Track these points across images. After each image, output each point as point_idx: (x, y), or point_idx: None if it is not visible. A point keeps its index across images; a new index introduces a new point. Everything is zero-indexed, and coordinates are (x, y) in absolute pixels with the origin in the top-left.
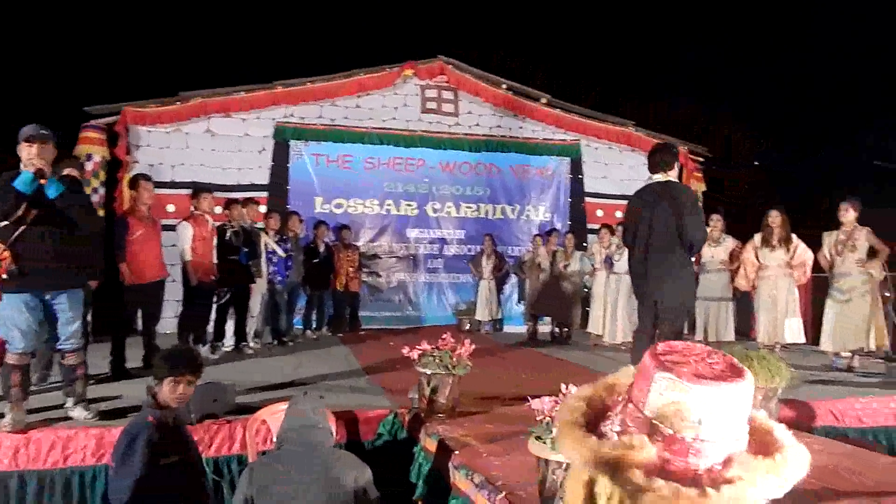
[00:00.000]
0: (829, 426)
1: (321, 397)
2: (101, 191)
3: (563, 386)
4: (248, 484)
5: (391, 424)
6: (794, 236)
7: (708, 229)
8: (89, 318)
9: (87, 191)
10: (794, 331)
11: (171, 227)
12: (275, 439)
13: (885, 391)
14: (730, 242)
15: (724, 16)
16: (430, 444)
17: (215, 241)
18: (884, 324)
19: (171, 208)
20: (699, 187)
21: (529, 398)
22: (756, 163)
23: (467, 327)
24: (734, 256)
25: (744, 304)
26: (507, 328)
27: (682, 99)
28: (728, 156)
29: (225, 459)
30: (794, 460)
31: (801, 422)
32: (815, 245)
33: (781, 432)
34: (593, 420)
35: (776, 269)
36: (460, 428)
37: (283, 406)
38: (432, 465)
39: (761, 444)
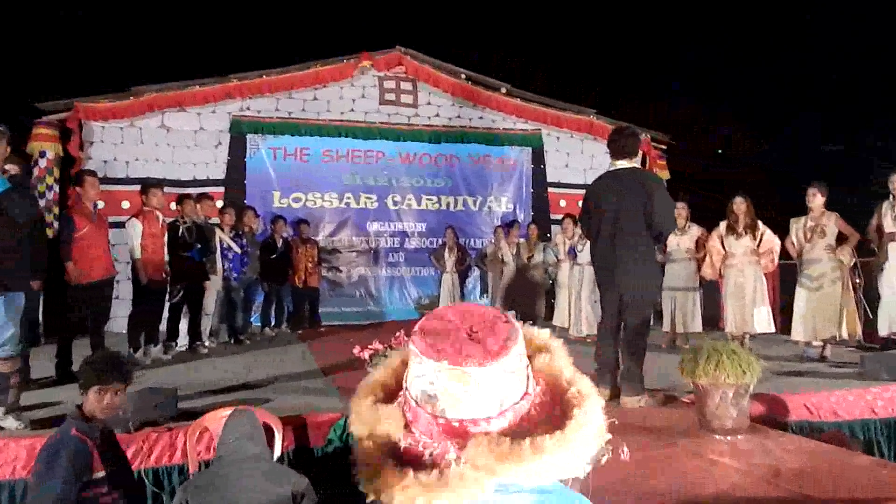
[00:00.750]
0: (804, 420)
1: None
2: (56, 189)
3: None
4: (182, 501)
5: (342, 429)
6: (759, 223)
7: None
8: (40, 319)
9: (41, 189)
10: (762, 320)
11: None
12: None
13: (859, 382)
14: (695, 231)
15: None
16: None
17: (166, 237)
18: (855, 311)
19: (126, 205)
20: (663, 175)
21: None
22: (720, 151)
23: None
24: (700, 245)
25: (711, 293)
26: None
27: (645, 87)
28: (694, 144)
29: (165, 470)
30: (582, 431)
31: (775, 417)
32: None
33: (577, 383)
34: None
35: (742, 256)
36: None
37: (227, 412)
38: None
39: (553, 404)
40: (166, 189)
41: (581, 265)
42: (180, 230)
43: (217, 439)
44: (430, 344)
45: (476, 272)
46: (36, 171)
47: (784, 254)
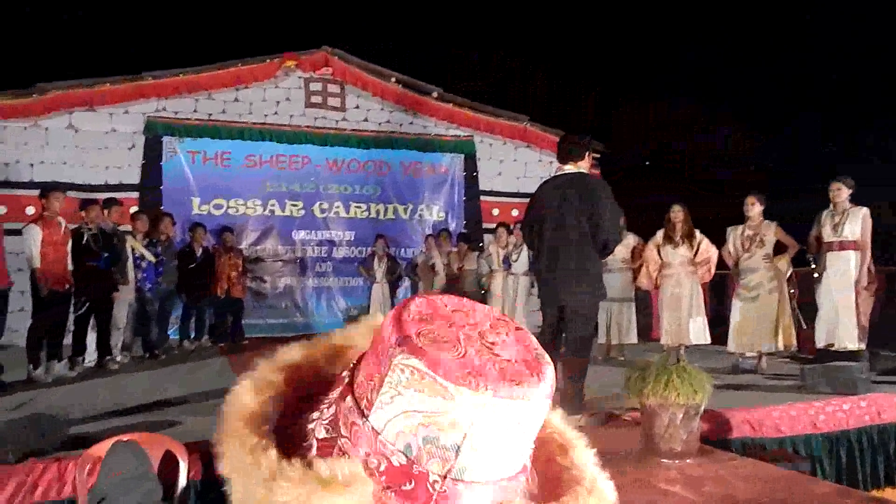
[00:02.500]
0: (747, 437)
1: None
2: None
3: None
4: None
5: None
6: (697, 232)
7: None
8: None
9: None
10: (698, 331)
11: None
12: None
13: (798, 395)
14: (631, 240)
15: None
16: None
17: (69, 245)
18: (791, 322)
19: (30, 210)
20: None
21: None
22: (647, 163)
23: None
24: (636, 254)
25: (645, 304)
26: None
27: (579, 92)
28: (631, 150)
29: None
30: None
31: (717, 434)
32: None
33: (582, 455)
34: (295, 408)
35: (679, 266)
36: None
37: (125, 438)
38: None
39: (547, 477)
40: (76, 194)
41: (516, 275)
42: (84, 237)
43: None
44: (457, 362)
45: (407, 282)
46: None
47: (719, 263)
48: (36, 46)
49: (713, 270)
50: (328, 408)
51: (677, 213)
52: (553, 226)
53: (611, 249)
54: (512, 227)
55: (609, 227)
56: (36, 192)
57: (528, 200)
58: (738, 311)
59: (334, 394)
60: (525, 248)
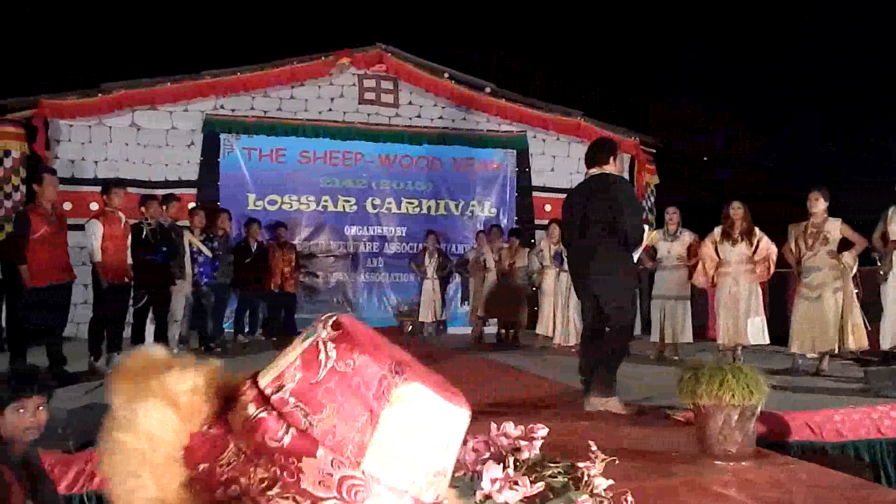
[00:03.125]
0: (806, 441)
1: None
2: (23, 189)
3: (493, 426)
4: None
5: None
6: (756, 229)
7: (663, 222)
8: (2, 324)
9: (7, 190)
10: (756, 331)
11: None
12: None
13: (862, 398)
14: (687, 237)
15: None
16: None
17: (129, 240)
18: (861, 322)
19: (94, 206)
20: (652, 179)
21: None
22: (705, 159)
23: (409, 329)
24: (692, 251)
25: (700, 302)
26: (451, 330)
27: (637, 89)
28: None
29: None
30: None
31: (775, 437)
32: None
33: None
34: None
35: (738, 264)
36: None
37: None
38: None
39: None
40: (137, 190)
41: (568, 272)
42: (144, 232)
43: None
44: (437, 383)
45: (457, 278)
46: (1, 172)
47: (780, 261)
48: (100, 47)
49: (773, 269)
50: (239, 465)
51: (737, 210)
52: (578, 226)
53: (634, 243)
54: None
55: (628, 223)
56: (98, 189)
57: None
58: (800, 310)
59: (240, 445)
60: None
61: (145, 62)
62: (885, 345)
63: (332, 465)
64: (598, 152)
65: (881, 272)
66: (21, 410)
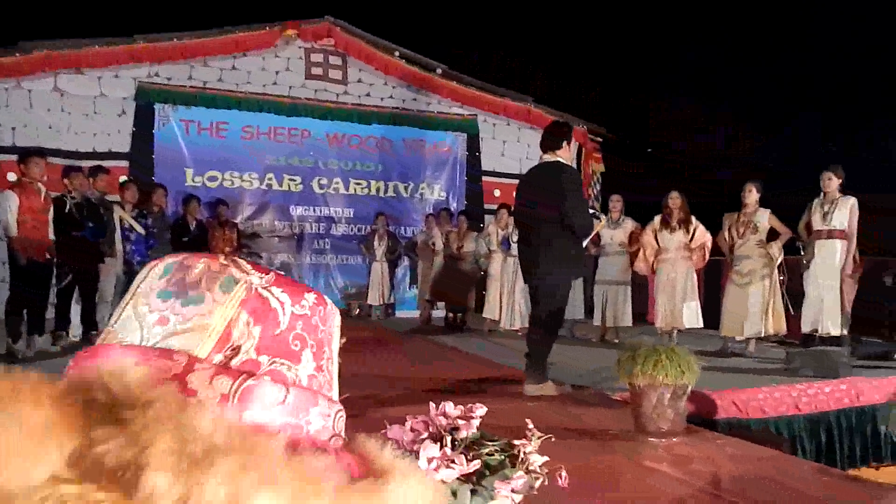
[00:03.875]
0: (733, 418)
1: None
2: None
3: (432, 405)
4: None
5: None
6: (693, 218)
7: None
8: None
9: None
10: (691, 315)
11: None
12: None
13: (784, 378)
14: (629, 224)
15: None
16: None
17: (51, 213)
18: (781, 308)
19: (12, 177)
20: (597, 168)
21: (387, 423)
22: (649, 150)
23: (357, 312)
24: (633, 239)
25: (641, 288)
26: (399, 313)
27: (586, 77)
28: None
29: None
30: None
31: (704, 415)
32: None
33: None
34: None
35: (675, 251)
36: None
37: None
38: None
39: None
40: (62, 161)
41: (515, 256)
42: (67, 206)
43: None
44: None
45: (406, 261)
46: None
47: (714, 249)
48: (21, 1)
49: (707, 256)
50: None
51: (675, 200)
52: (525, 211)
53: (581, 233)
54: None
55: (572, 213)
56: (15, 158)
57: None
58: (730, 296)
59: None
60: None
61: (72, 21)
62: (806, 328)
63: (329, 409)
64: (551, 137)
65: (804, 261)
66: None
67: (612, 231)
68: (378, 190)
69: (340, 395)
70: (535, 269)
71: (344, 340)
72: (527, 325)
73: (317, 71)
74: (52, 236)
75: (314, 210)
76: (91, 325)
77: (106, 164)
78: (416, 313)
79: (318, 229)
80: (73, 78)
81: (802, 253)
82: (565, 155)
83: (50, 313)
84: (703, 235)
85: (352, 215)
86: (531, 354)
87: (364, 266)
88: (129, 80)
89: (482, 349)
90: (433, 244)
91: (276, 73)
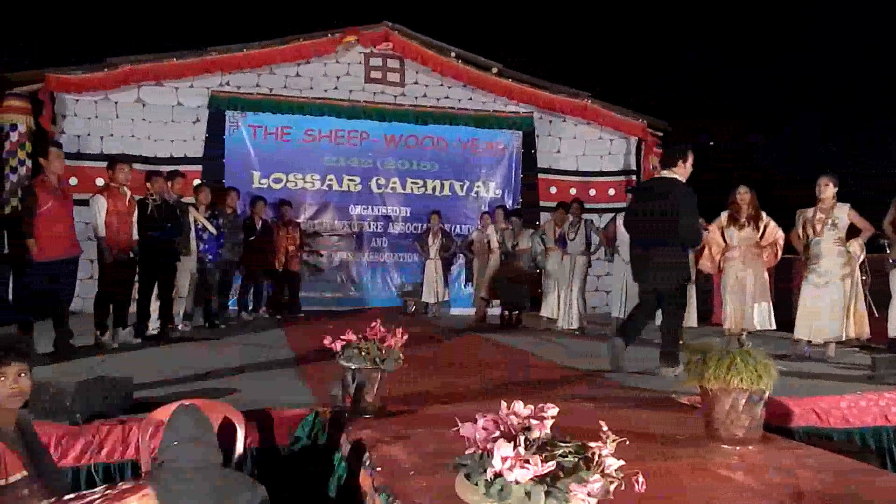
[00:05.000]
0: (812, 427)
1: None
2: (28, 163)
3: (503, 404)
4: None
5: (311, 426)
6: (763, 214)
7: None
8: (9, 297)
9: (12, 163)
10: (763, 316)
11: None
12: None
13: (869, 386)
14: None
15: None
16: (350, 454)
17: (135, 215)
18: (864, 310)
19: (100, 182)
20: (657, 163)
21: (459, 422)
22: (711, 143)
23: (412, 309)
24: None
25: (706, 287)
26: (454, 311)
27: (644, 72)
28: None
29: (118, 465)
30: None
31: (781, 423)
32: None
33: None
34: None
35: (744, 249)
36: (386, 435)
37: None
38: (352, 480)
39: None
40: (143, 166)
41: (572, 255)
42: (149, 208)
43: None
44: None
45: (461, 259)
46: (7, 145)
47: (787, 247)
48: (107, 20)
49: (780, 254)
50: None
51: (743, 195)
52: (641, 221)
53: (690, 246)
54: (570, 205)
55: (685, 229)
56: (104, 164)
57: (587, 179)
58: (806, 296)
59: None
60: (582, 227)
61: (152, 37)
62: (893, 332)
63: None
64: (669, 155)
65: (890, 259)
66: (3, 377)
67: None
68: (434, 189)
69: (404, 391)
70: (649, 272)
71: (406, 338)
72: (585, 324)
73: (375, 74)
74: (135, 236)
75: (372, 209)
76: (168, 319)
77: (181, 168)
78: (471, 311)
79: (376, 228)
80: (153, 89)
81: (888, 251)
82: (681, 172)
83: (132, 308)
84: (774, 232)
85: (408, 214)
86: (666, 344)
87: (419, 264)
88: (202, 90)
89: (538, 348)
90: (488, 242)
91: (337, 77)
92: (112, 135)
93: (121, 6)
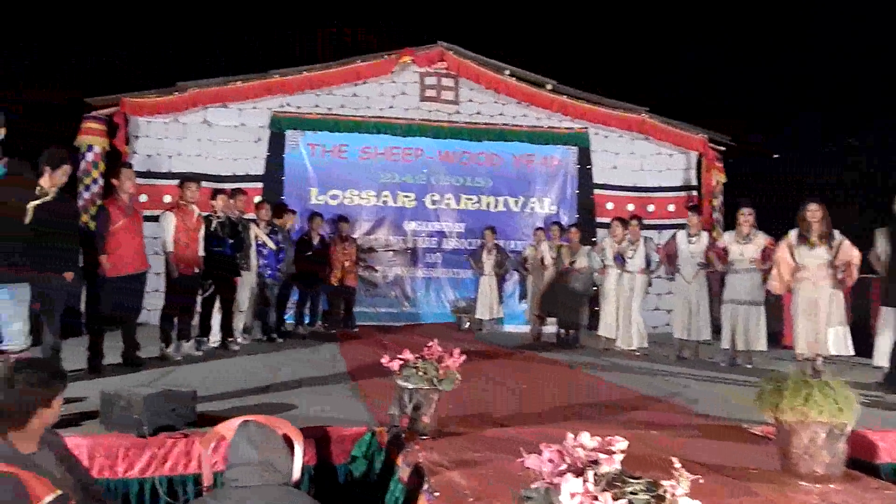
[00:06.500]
0: None
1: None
2: (101, 182)
3: (569, 436)
4: None
5: (367, 445)
6: (836, 232)
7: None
8: (82, 310)
9: (87, 182)
10: (839, 340)
11: None
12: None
13: None
14: (761, 239)
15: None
16: (409, 477)
17: (202, 231)
18: None
19: (168, 199)
20: (719, 178)
21: (524, 452)
22: (776, 156)
23: (466, 326)
24: (766, 255)
25: (774, 308)
26: (509, 328)
27: (702, 85)
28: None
29: (180, 479)
30: None
31: (862, 457)
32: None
33: None
34: None
35: (816, 269)
36: (444, 457)
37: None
38: (409, 502)
39: None
40: (208, 184)
41: (631, 273)
42: (213, 224)
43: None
44: None
45: (515, 276)
46: (83, 165)
47: (866, 267)
48: (176, 47)
49: (856, 275)
50: None
51: (814, 212)
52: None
53: None
54: (628, 221)
55: None
56: (172, 183)
57: (645, 194)
58: (888, 320)
59: None
60: (641, 245)
61: (218, 62)
62: None
63: None
64: None
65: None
66: (55, 402)
67: (743, 246)
68: (488, 205)
69: (460, 411)
70: None
71: (464, 358)
72: (644, 345)
73: (430, 93)
74: (201, 252)
75: (426, 225)
76: (228, 333)
77: (243, 185)
78: (525, 328)
79: (430, 243)
80: (218, 111)
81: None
82: None
83: (194, 321)
84: (849, 251)
85: (463, 230)
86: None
87: (473, 280)
88: (264, 111)
89: (596, 368)
90: (542, 258)
91: (393, 97)
92: (180, 154)
93: (190, 34)
